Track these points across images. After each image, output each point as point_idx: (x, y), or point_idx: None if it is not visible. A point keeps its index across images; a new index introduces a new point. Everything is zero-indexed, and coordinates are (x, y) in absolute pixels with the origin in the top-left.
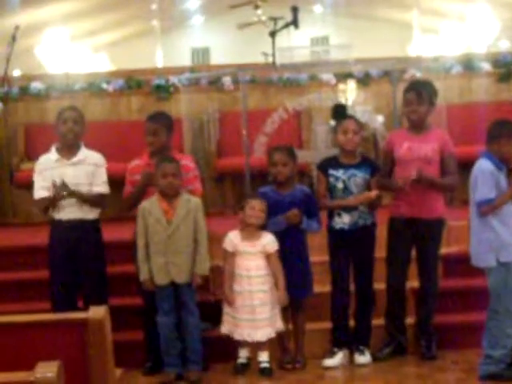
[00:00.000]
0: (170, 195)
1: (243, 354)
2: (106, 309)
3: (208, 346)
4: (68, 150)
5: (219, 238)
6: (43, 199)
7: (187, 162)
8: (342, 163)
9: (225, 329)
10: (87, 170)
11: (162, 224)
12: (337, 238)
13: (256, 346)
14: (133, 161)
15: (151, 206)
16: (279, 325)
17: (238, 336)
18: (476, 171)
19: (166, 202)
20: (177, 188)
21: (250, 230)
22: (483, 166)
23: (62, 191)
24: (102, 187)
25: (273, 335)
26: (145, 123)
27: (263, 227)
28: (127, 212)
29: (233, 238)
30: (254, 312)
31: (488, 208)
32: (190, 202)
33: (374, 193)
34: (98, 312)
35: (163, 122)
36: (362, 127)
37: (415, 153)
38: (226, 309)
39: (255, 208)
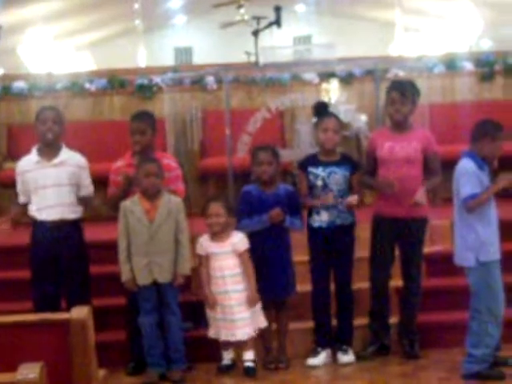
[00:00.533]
0: (151, 195)
1: (227, 356)
2: (89, 309)
3: (191, 346)
4: (49, 151)
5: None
6: (24, 205)
7: (169, 161)
8: (322, 161)
9: (211, 332)
10: (69, 171)
11: (144, 224)
12: (315, 237)
13: (240, 346)
14: (116, 161)
15: (133, 205)
16: (261, 322)
17: (223, 337)
18: (459, 170)
19: (147, 202)
20: (159, 188)
21: (219, 231)
22: (466, 165)
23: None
24: (88, 189)
25: (253, 334)
26: (129, 122)
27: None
28: (113, 212)
29: (202, 242)
30: (232, 312)
31: (474, 203)
32: (171, 202)
33: (353, 199)
34: (80, 312)
35: (149, 122)
36: (343, 126)
37: (398, 153)
38: (209, 312)
39: (212, 214)
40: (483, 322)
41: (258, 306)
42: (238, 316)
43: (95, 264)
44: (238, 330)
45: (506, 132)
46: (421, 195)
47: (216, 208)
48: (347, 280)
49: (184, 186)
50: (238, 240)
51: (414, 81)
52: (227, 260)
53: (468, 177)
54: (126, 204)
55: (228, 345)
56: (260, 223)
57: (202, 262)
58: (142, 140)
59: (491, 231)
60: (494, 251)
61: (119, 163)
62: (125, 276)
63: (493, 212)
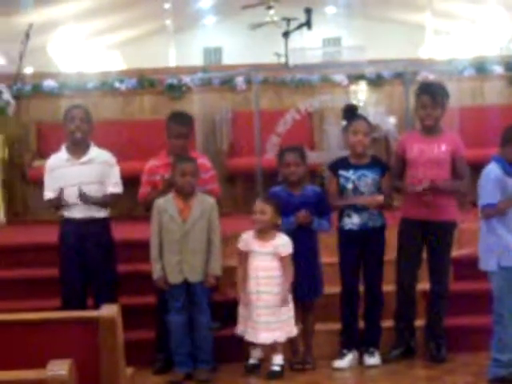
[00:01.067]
0: (186, 194)
1: (255, 355)
2: (118, 307)
3: (217, 345)
4: (78, 148)
5: (229, 238)
6: (50, 201)
7: (204, 161)
8: (352, 164)
9: (239, 330)
10: (97, 168)
11: (177, 222)
12: (346, 239)
13: (269, 348)
14: (150, 161)
15: (166, 203)
16: (291, 330)
17: (247, 337)
18: (483, 176)
19: (181, 201)
20: (194, 187)
21: (264, 231)
22: (489, 171)
23: (82, 199)
24: (115, 187)
25: (281, 339)
26: (169, 123)
27: (278, 227)
28: (146, 212)
29: (246, 237)
30: (259, 314)
31: (490, 212)
32: (205, 202)
33: (380, 197)
34: (109, 310)
35: (189, 125)
36: (373, 128)
37: (426, 155)
38: (240, 310)
39: (256, 211)
40: (507, 326)
41: (291, 313)
42: (263, 319)
43: (124, 262)
44: (261, 334)
45: None
46: (442, 181)
47: (261, 205)
48: (377, 282)
49: (219, 187)
50: (282, 243)
51: (443, 84)
52: (265, 261)
53: (489, 184)
54: (160, 202)
55: (255, 344)
56: (287, 225)
57: (241, 259)
58: (183, 144)
59: None
60: None
61: (153, 162)
62: (156, 274)
63: None
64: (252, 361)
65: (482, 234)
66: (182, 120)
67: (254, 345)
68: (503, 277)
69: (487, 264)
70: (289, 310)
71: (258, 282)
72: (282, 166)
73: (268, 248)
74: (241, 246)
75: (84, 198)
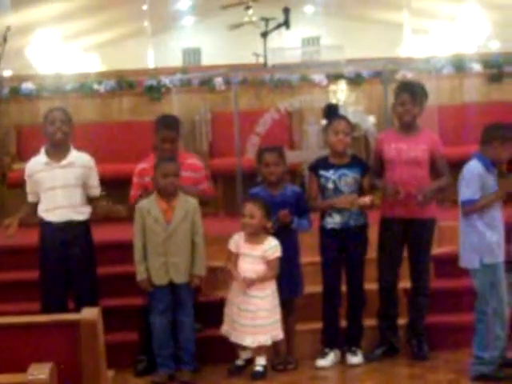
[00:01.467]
0: (169, 195)
1: (244, 356)
2: (99, 310)
3: (200, 346)
4: (57, 152)
5: (211, 239)
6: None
7: (195, 161)
8: (333, 163)
9: (224, 329)
10: (77, 172)
11: (161, 224)
12: (328, 238)
13: (254, 350)
14: (139, 163)
15: (150, 205)
16: (277, 334)
17: (233, 338)
18: (464, 172)
19: (164, 202)
20: (176, 188)
21: (254, 234)
22: (471, 167)
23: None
24: (96, 190)
25: (267, 343)
26: (158, 127)
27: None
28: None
29: (237, 239)
30: (246, 317)
31: (471, 208)
32: (188, 203)
33: (368, 198)
34: (90, 313)
35: (178, 129)
36: (353, 128)
37: (405, 154)
38: (226, 309)
39: (246, 215)
40: (489, 324)
41: (277, 316)
42: (250, 322)
43: (105, 264)
44: (248, 337)
45: None
46: (428, 190)
47: (251, 208)
48: (359, 281)
49: (212, 186)
50: (270, 247)
51: (422, 83)
52: (253, 264)
53: (472, 180)
54: (143, 204)
55: (244, 347)
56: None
57: (230, 258)
58: (172, 148)
59: (495, 233)
60: (498, 253)
61: (143, 165)
62: (140, 276)
63: (497, 214)
64: (239, 362)
65: (462, 231)
66: (168, 124)
67: (242, 348)
68: (486, 274)
69: (468, 261)
70: (275, 314)
71: (244, 285)
72: (261, 166)
73: (257, 251)
74: (231, 246)
75: None
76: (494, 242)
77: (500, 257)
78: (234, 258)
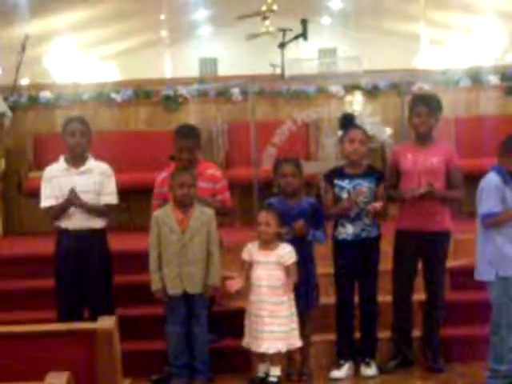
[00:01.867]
0: (185, 205)
1: (262, 369)
2: (115, 319)
3: (214, 357)
4: (76, 159)
5: (227, 249)
6: (51, 207)
7: (214, 171)
8: (348, 173)
9: (245, 342)
10: (95, 179)
11: (176, 234)
12: (340, 249)
13: (269, 359)
14: (160, 173)
15: (165, 215)
16: (295, 342)
17: (253, 348)
18: (483, 185)
19: (180, 212)
20: (192, 198)
21: (268, 241)
22: (489, 180)
23: (73, 200)
24: (110, 197)
25: (283, 350)
26: (176, 137)
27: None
28: None
29: (250, 247)
30: (263, 323)
31: (492, 221)
32: (204, 213)
33: (379, 204)
34: (106, 322)
35: (197, 139)
36: (369, 138)
37: (421, 165)
38: (246, 321)
39: (261, 223)
40: (504, 337)
41: (294, 324)
42: (267, 328)
43: (120, 273)
44: (265, 343)
45: None
46: (439, 190)
47: (266, 217)
48: (372, 293)
49: (230, 196)
50: (285, 253)
51: (438, 96)
52: (268, 270)
53: (490, 193)
54: (159, 214)
55: (261, 357)
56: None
57: (242, 267)
58: (189, 157)
59: None
60: None
61: (163, 175)
62: (155, 285)
63: None
64: (259, 374)
65: (479, 244)
66: (185, 133)
67: (260, 358)
68: (501, 287)
69: (484, 274)
70: (292, 322)
71: (261, 291)
72: (278, 176)
73: (271, 257)
74: (245, 255)
75: (76, 200)
76: (509, 254)
77: None
78: (247, 266)
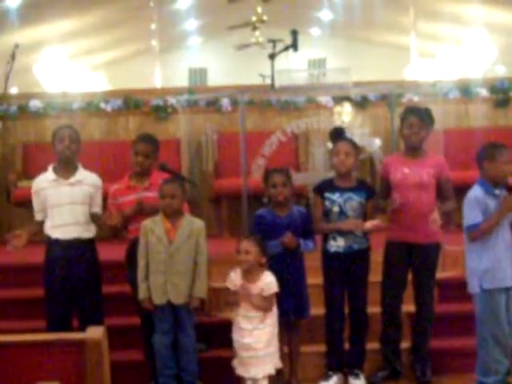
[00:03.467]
0: (170, 216)
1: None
2: (104, 329)
3: (202, 367)
4: (65, 169)
5: (215, 259)
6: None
7: None
8: (338, 186)
9: (234, 361)
10: (84, 190)
11: (163, 243)
12: (331, 262)
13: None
14: (113, 185)
15: (154, 224)
16: (277, 362)
17: (239, 371)
18: (465, 199)
19: (169, 222)
20: (175, 209)
21: (250, 270)
22: (470, 193)
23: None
24: (98, 208)
25: (272, 372)
26: (135, 144)
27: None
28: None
29: (234, 278)
30: (251, 349)
31: (476, 233)
32: (193, 224)
33: (376, 221)
34: (95, 332)
35: (155, 145)
36: (358, 149)
37: (411, 179)
38: (235, 343)
39: (242, 251)
40: (490, 349)
41: (277, 345)
42: (254, 354)
43: (109, 283)
44: (253, 368)
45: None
46: (436, 215)
47: (245, 245)
48: (362, 304)
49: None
50: (265, 284)
51: (429, 108)
52: (251, 302)
53: (471, 205)
54: (147, 224)
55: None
56: (273, 248)
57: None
58: (144, 162)
59: (496, 257)
60: (500, 278)
61: (116, 186)
62: (142, 294)
63: (500, 238)
64: None
65: (466, 257)
66: (144, 139)
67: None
68: (485, 299)
69: (471, 286)
70: (275, 342)
71: (251, 321)
72: (269, 186)
73: (254, 289)
74: (230, 285)
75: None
76: (493, 266)
77: (502, 282)
78: (232, 295)
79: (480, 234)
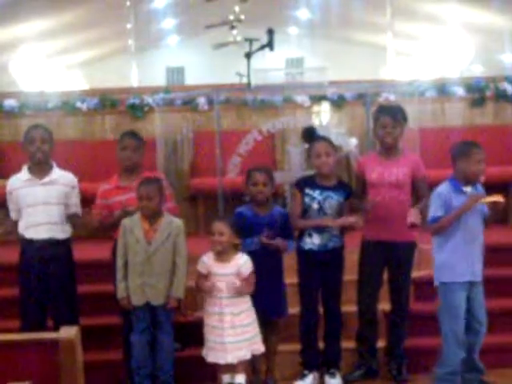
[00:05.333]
0: (149, 217)
1: (226, 380)
2: (77, 329)
3: (178, 366)
4: (40, 169)
5: (191, 258)
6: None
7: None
8: (319, 184)
9: (204, 352)
10: (59, 189)
11: (142, 244)
12: (306, 259)
13: (232, 369)
14: (102, 185)
15: (133, 225)
16: (258, 347)
17: (211, 359)
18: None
19: (147, 223)
20: (153, 210)
21: (223, 252)
22: (437, 189)
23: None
24: (76, 208)
25: (247, 357)
26: (122, 139)
27: (237, 247)
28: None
29: (206, 261)
30: (225, 334)
31: (435, 227)
32: (172, 224)
33: (354, 218)
34: (69, 332)
35: (141, 141)
36: (335, 148)
37: (386, 178)
38: (206, 333)
39: (215, 232)
40: (446, 341)
41: (256, 330)
42: (230, 339)
43: (84, 283)
44: (228, 354)
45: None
46: (415, 215)
47: (219, 226)
48: (337, 303)
49: (176, 205)
50: (241, 265)
51: (401, 106)
52: (228, 283)
53: (434, 200)
54: (126, 224)
55: (225, 368)
56: (251, 245)
57: (199, 279)
58: (132, 157)
59: (455, 252)
60: (458, 273)
61: (105, 187)
62: (120, 294)
63: (462, 232)
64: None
65: (433, 249)
66: (131, 134)
67: (223, 370)
68: (443, 293)
69: (435, 280)
70: (254, 328)
71: (222, 303)
72: (250, 185)
73: (230, 269)
74: (200, 267)
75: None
76: (450, 260)
77: (460, 277)
78: (203, 280)
79: (438, 227)
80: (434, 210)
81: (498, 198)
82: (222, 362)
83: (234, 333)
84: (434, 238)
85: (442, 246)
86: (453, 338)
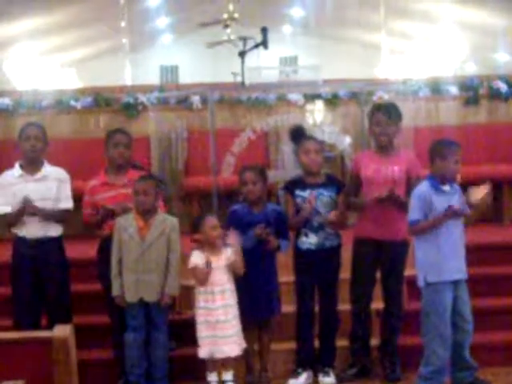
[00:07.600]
0: (143, 213)
1: (213, 378)
2: (71, 327)
3: (172, 365)
4: (32, 166)
5: (184, 257)
6: (6, 215)
7: None
8: (308, 183)
9: (201, 353)
10: (51, 185)
11: (136, 241)
12: (303, 259)
13: (220, 366)
14: (90, 181)
15: (127, 222)
16: (241, 342)
17: (211, 354)
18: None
19: (141, 220)
20: (148, 206)
21: (213, 246)
22: (417, 189)
23: (27, 208)
24: (66, 202)
25: (240, 352)
26: (113, 136)
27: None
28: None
29: (198, 254)
30: (220, 328)
31: (415, 229)
32: (166, 222)
33: (333, 213)
34: (62, 330)
35: (130, 137)
36: (323, 146)
37: (382, 174)
38: (200, 332)
39: (209, 228)
40: (430, 341)
41: (239, 325)
42: (225, 332)
43: (78, 281)
44: (226, 346)
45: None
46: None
47: (213, 221)
48: (333, 302)
49: (164, 204)
50: (231, 253)
51: (396, 104)
52: (219, 275)
53: (414, 201)
54: (121, 221)
55: (213, 366)
56: (247, 241)
57: (197, 273)
58: (125, 153)
59: (441, 251)
60: (445, 271)
61: (93, 182)
62: (115, 291)
63: (447, 231)
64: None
65: (414, 249)
66: (121, 131)
67: (210, 368)
68: (429, 292)
69: (418, 280)
70: (238, 323)
71: (214, 298)
72: (241, 184)
73: (221, 262)
74: (196, 260)
75: (30, 208)
76: (437, 260)
77: (447, 276)
78: (204, 270)
79: (418, 230)
80: (414, 212)
81: (485, 188)
82: (219, 356)
83: (227, 326)
84: (415, 238)
85: (424, 246)
86: (438, 338)
